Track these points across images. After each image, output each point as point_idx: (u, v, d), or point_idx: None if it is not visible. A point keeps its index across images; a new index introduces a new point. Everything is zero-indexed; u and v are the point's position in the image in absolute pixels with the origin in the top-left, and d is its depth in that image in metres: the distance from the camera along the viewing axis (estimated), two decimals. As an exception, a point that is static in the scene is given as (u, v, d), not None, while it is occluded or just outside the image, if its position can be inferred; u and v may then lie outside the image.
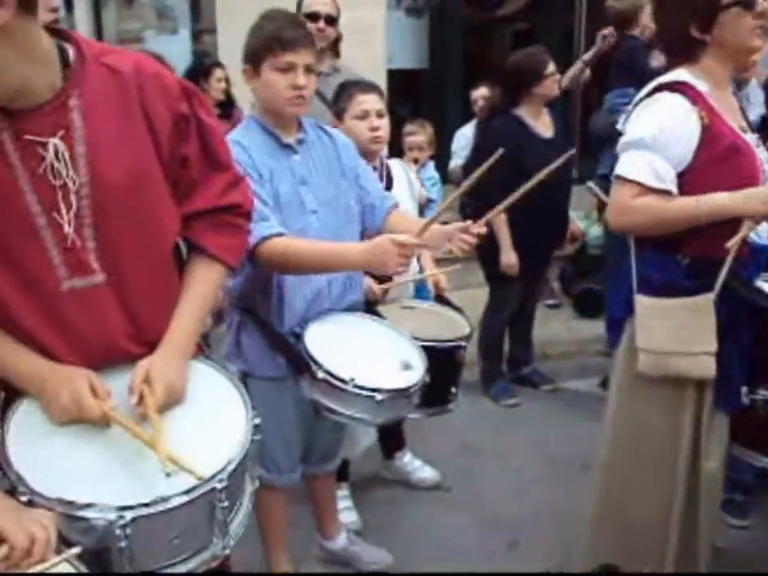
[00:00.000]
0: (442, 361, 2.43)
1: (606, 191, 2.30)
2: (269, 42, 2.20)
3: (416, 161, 4.43)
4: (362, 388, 2.06)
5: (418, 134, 4.50)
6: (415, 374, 2.19)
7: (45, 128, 1.42)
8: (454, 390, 2.56)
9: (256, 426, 1.58)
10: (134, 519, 1.32)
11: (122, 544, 1.32)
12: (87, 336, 1.54)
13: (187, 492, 1.38)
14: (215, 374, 1.71)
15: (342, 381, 2.06)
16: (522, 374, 4.52)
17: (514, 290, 4.22)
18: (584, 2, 6.95)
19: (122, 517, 1.30)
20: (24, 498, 1.31)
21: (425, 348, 2.33)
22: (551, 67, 3.93)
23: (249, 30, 2.30)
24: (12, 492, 1.33)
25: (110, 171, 1.49)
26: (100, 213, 1.50)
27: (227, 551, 1.49)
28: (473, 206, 4.23)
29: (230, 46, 6.12)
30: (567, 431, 3.78)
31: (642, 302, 2.14)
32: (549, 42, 5.14)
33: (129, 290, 1.58)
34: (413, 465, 3.48)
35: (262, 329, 2.31)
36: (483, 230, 2.18)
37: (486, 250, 4.26)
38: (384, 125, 2.83)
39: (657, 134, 2.04)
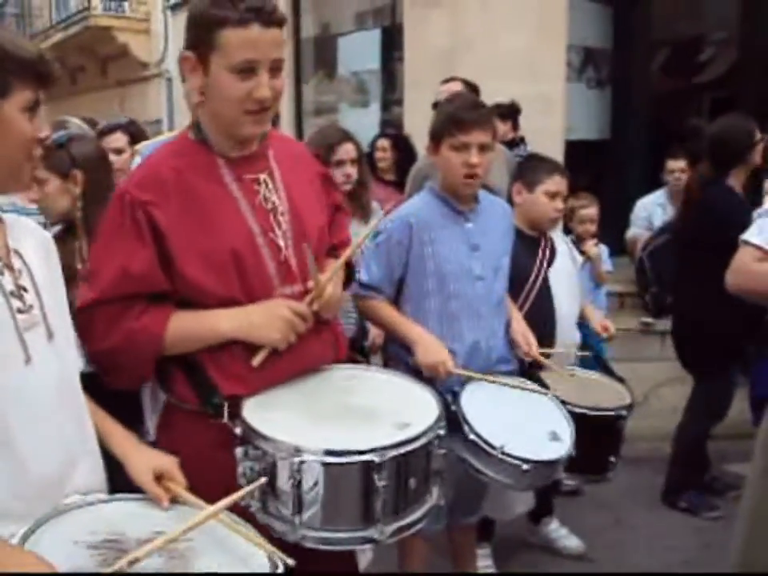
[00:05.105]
0: (601, 429, 2.46)
1: None
2: (446, 123, 2.43)
3: (590, 234, 4.24)
4: (509, 456, 2.11)
5: (591, 207, 4.27)
6: (562, 446, 2.20)
7: (256, 169, 1.84)
8: (612, 459, 2.53)
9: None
10: (392, 458, 1.56)
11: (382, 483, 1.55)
12: None
13: (424, 434, 1.64)
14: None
15: (491, 446, 2.12)
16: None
17: (726, 390, 3.69)
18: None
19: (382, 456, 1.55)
20: None
21: (583, 415, 2.36)
22: (758, 135, 3.73)
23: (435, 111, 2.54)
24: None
25: (300, 202, 1.88)
26: (298, 232, 1.84)
27: (442, 502, 1.74)
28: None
29: (414, 116, 6.56)
30: (729, 515, 3.61)
31: None
32: (749, 110, 4.77)
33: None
34: (558, 532, 3.48)
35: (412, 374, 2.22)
36: None
37: (692, 344, 3.83)
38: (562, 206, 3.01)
39: None
